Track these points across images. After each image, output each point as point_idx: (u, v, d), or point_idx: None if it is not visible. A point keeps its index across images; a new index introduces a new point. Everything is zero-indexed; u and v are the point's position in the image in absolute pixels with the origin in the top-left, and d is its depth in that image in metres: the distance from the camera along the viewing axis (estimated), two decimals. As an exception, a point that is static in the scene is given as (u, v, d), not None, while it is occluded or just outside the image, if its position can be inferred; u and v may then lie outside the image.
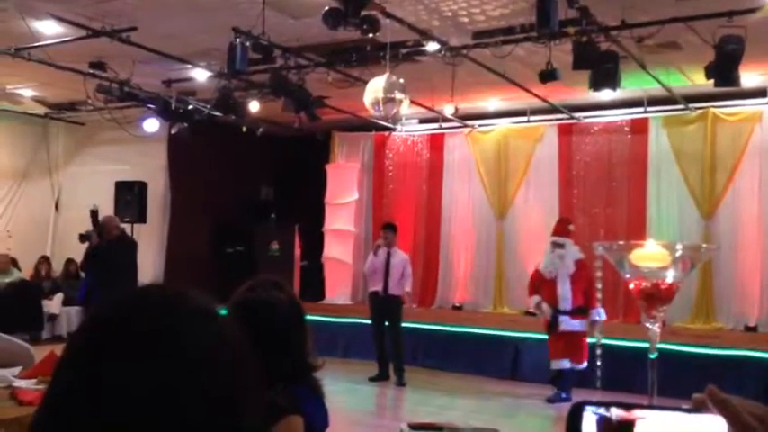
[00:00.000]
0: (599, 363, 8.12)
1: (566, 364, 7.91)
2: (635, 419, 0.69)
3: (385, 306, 9.01)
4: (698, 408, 0.70)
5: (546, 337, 8.23)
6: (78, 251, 9.66)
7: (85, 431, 0.74)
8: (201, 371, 0.78)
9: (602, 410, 0.70)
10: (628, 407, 0.70)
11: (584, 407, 0.70)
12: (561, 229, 8.23)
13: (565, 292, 7.79)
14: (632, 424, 0.69)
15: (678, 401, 0.77)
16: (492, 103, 10.80)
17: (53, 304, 11.53)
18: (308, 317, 2.40)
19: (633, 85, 8.88)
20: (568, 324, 7.78)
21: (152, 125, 10.79)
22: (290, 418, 2.01)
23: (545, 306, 7.93)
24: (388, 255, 9.09)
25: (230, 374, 0.80)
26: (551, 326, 7.90)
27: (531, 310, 8.57)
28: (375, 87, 7.15)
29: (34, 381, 3.58)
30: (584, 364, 7.95)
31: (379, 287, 9.06)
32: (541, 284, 8.00)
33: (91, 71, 8.85)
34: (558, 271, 7.86)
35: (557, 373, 7.99)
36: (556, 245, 8.04)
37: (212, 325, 0.83)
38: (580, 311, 7.79)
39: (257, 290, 2.34)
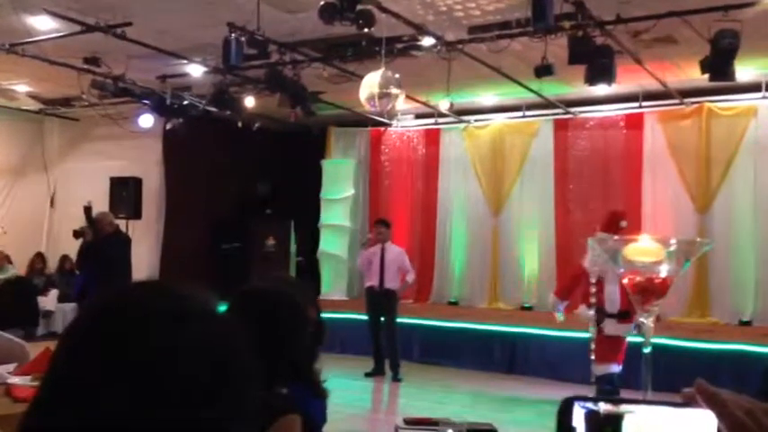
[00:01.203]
0: (593, 358, 8.13)
1: (615, 368, 7.16)
2: (623, 413, 0.68)
3: (380, 301, 9.01)
4: (688, 402, 0.69)
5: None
6: (73, 247, 9.66)
7: (75, 424, 0.74)
8: (194, 368, 0.77)
9: (589, 404, 0.69)
10: (617, 402, 0.69)
11: (575, 402, 0.70)
12: (610, 224, 7.21)
13: (612, 293, 6.93)
14: (620, 418, 0.68)
15: (673, 396, 0.77)
16: (487, 98, 10.80)
17: (48, 301, 11.52)
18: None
19: (628, 79, 8.88)
20: (613, 328, 6.99)
21: (147, 121, 10.77)
22: (289, 417, 2.01)
23: (583, 309, 7.11)
24: (383, 250, 9.09)
25: (218, 375, 0.79)
26: (600, 330, 7.02)
27: (552, 310, 7.64)
28: (370, 82, 7.13)
29: (29, 378, 3.57)
30: (620, 367, 7.14)
31: (374, 282, 9.07)
32: (585, 283, 7.11)
33: (85, 67, 8.82)
34: (604, 271, 6.91)
35: (605, 377, 7.14)
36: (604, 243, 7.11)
37: (198, 325, 0.81)
38: (626, 315, 6.94)
39: (267, 282, 2.36)
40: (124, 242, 8.77)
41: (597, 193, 10.77)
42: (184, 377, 0.77)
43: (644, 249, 1.17)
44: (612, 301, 6.98)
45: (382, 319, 9.04)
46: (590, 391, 7.33)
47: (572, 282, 7.38)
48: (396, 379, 8.91)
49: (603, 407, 0.69)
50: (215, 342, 0.81)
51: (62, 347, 0.80)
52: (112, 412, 0.73)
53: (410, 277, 9.17)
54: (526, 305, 11.01)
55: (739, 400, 0.68)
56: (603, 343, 7.10)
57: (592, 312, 7.00)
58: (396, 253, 9.19)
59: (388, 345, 9.00)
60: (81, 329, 0.81)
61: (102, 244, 8.33)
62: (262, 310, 2.11)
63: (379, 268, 9.03)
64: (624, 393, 6.46)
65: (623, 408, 0.69)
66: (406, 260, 9.22)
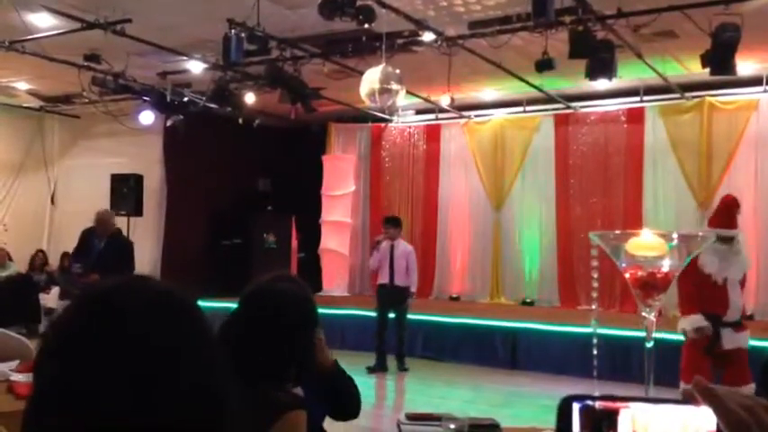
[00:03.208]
0: (595, 352, 8.12)
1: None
2: (618, 408, 0.68)
3: (391, 298, 9.00)
4: (687, 400, 0.69)
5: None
6: (74, 245, 9.62)
7: (76, 423, 0.74)
8: (175, 365, 0.76)
9: (586, 401, 0.69)
10: (614, 399, 0.69)
11: (574, 400, 0.70)
12: (727, 214, 5.73)
13: (737, 299, 5.70)
14: (615, 413, 0.68)
15: (675, 390, 0.76)
16: (488, 93, 10.79)
17: (49, 298, 11.52)
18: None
19: (629, 74, 8.87)
20: (731, 339, 5.66)
21: (147, 117, 10.76)
22: (294, 413, 2.01)
23: (698, 318, 5.63)
24: (392, 247, 9.10)
25: (197, 371, 0.79)
26: (712, 343, 5.65)
27: (688, 333, 5.76)
28: (371, 78, 7.12)
29: (31, 375, 3.57)
30: (752, 386, 5.30)
31: (385, 279, 9.07)
32: (711, 291, 5.62)
33: (86, 63, 8.80)
34: (728, 273, 5.59)
35: None
36: (724, 240, 5.45)
37: (190, 320, 0.81)
38: (739, 323, 5.82)
39: (278, 282, 2.35)
40: (123, 244, 8.61)
41: (598, 188, 10.78)
42: (181, 372, 0.76)
43: (646, 244, 1.17)
44: (736, 309, 5.74)
45: (391, 315, 9.06)
46: (589, 385, 7.34)
47: (696, 287, 5.56)
48: (402, 368, 8.96)
49: (600, 403, 0.69)
50: (205, 337, 0.81)
51: (55, 344, 0.79)
52: (113, 411, 0.73)
53: (410, 282, 8.94)
54: (528, 300, 11.01)
55: (737, 397, 0.68)
56: (710, 359, 5.72)
57: (705, 322, 5.60)
58: (402, 250, 9.14)
59: (397, 338, 9.03)
60: (74, 327, 0.80)
61: (106, 246, 8.23)
62: (271, 308, 2.11)
63: (388, 265, 9.04)
64: (624, 387, 6.48)
65: (619, 403, 0.68)
66: (412, 260, 9.10)
